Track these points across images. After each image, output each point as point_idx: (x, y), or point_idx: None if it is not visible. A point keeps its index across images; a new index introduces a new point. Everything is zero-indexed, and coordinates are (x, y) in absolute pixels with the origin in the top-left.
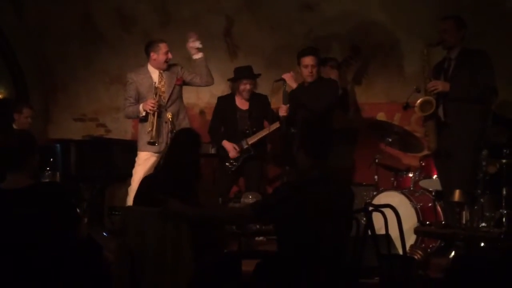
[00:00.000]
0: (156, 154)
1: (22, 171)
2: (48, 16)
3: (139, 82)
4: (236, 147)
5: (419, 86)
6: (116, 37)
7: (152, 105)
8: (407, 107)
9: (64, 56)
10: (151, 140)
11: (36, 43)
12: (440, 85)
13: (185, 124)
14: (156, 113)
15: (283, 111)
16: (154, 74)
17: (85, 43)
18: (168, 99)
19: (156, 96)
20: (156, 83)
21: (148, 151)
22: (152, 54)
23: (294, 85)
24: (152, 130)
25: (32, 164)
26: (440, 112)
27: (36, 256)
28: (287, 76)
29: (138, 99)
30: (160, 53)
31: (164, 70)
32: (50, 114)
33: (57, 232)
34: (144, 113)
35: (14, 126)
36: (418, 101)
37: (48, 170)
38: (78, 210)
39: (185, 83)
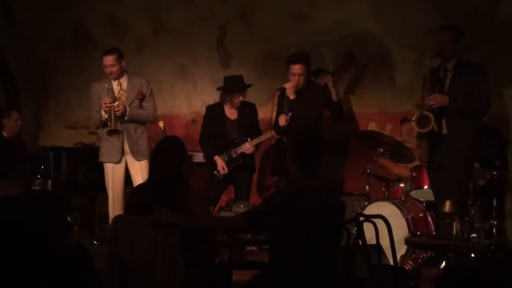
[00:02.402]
0: (112, 164)
1: (12, 179)
2: (40, 23)
3: (101, 90)
4: (225, 168)
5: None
6: (109, 45)
7: (106, 102)
8: (404, 121)
9: (57, 63)
10: (112, 128)
11: (28, 50)
12: (440, 99)
13: (143, 139)
14: (113, 110)
15: (282, 121)
16: (114, 83)
17: (78, 50)
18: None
19: (110, 98)
20: (113, 89)
21: (103, 160)
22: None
23: (292, 96)
24: (111, 121)
25: (23, 172)
26: (443, 125)
27: (25, 264)
28: (288, 86)
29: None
30: (104, 66)
31: (127, 79)
32: (42, 121)
33: (47, 241)
34: (106, 116)
35: (5, 133)
36: (415, 115)
37: (39, 178)
38: (68, 218)
39: (144, 98)
